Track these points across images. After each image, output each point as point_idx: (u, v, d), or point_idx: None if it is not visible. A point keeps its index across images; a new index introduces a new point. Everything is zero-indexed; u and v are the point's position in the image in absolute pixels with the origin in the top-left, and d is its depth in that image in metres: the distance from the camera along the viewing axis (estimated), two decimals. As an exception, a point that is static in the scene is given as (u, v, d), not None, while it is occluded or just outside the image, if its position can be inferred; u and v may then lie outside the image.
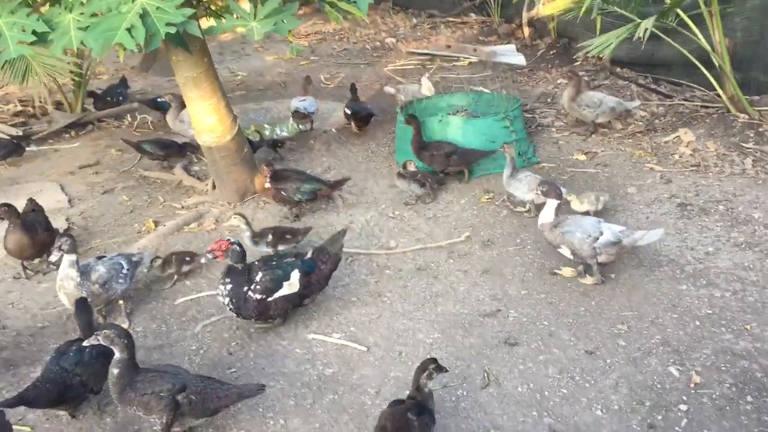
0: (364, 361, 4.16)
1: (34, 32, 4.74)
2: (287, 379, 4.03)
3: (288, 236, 5.44)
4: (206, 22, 5.73)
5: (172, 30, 4.57)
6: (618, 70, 9.47)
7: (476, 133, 6.81)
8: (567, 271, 4.95)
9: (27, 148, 8.25)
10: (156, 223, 6.22)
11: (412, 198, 6.28)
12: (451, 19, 15.31)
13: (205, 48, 5.97)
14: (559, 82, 9.56)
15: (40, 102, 9.23)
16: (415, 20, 15.38)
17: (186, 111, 7.62)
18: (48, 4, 5.50)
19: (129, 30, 4.50)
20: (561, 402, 3.77)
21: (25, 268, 5.42)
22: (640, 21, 6.72)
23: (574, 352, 4.14)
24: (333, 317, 4.65)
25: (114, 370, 3.42)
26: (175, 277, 5.18)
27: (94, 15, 4.77)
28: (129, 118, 9.38)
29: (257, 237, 5.36)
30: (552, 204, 4.81)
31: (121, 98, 9.68)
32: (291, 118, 8.62)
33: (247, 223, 5.35)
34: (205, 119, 6.11)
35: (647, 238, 4.68)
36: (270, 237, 5.36)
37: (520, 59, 10.98)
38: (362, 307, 4.73)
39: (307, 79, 8.62)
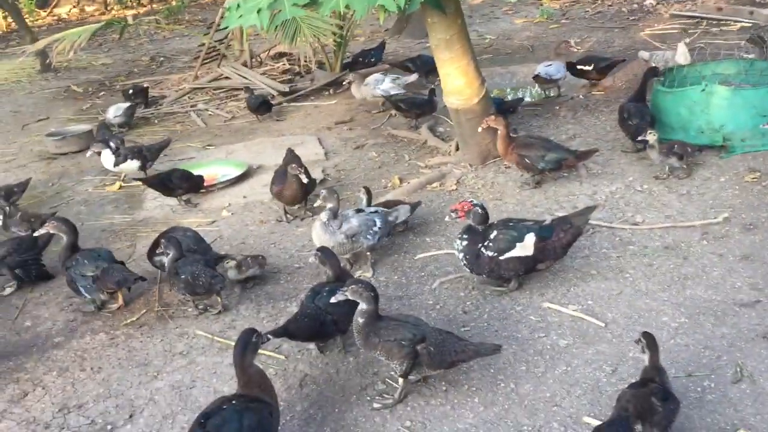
0: (600, 337, 4.02)
1: (306, -5, 5.11)
2: (520, 345, 4.04)
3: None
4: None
5: (432, -8, 4.68)
6: None
7: (745, 106, 6.16)
8: None
9: (290, 104, 9.04)
10: (401, 180, 6.49)
11: (664, 172, 5.88)
12: (721, -23, 13.87)
13: (459, 10, 6.03)
14: None
15: (305, 61, 10.00)
16: (676, -21, 14.17)
17: (369, 78, 8.37)
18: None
19: (392, -8, 4.68)
20: (827, 411, 3.36)
21: (286, 212, 5.96)
22: None
23: None
24: (570, 288, 4.54)
25: (359, 319, 3.65)
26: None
27: (360, -22, 5.03)
28: (380, 78, 9.83)
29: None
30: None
31: (373, 60, 10.16)
32: (536, 83, 8.46)
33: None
34: (454, 81, 6.21)
35: None
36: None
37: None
38: (601, 282, 4.57)
39: (565, 44, 8.28)
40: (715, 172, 5.90)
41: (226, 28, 10.48)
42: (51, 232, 4.85)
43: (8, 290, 5.15)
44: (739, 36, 9.89)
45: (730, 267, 4.55)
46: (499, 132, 5.95)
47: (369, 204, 5.56)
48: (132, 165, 6.74)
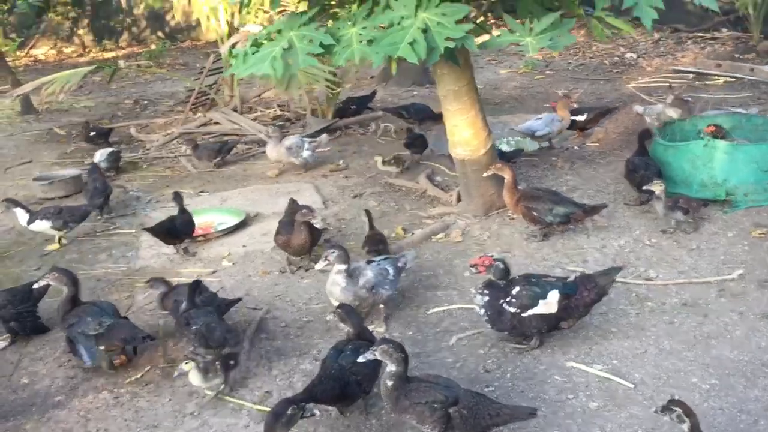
0: (631, 399, 3.91)
1: (320, 44, 5.05)
2: (549, 407, 3.90)
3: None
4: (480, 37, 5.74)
5: (452, 45, 4.66)
6: None
7: (746, 161, 6.22)
8: None
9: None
10: (404, 230, 6.38)
11: (671, 226, 5.87)
12: (699, 34, 14.32)
13: (469, 62, 6.03)
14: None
15: (298, 107, 9.95)
16: (657, 35, 14.56)
17: (289, 138, 8.14)
18: (329, 19, 5.89)
19: (411, 44, 4.64)
20: None
21: (289, 263, 5.80)
22: None
23: None
24: (592, 347, 4.44)
25: (388, 382, 3.49)
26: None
27: (376, 28, 4.99)
28: (373, 126, 9.81)
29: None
30: None
31: (354, 107, 10.13)
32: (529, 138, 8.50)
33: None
34: (461, 132, 6.18)
35: None
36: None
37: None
38: (623, 340, 4.48)
39: (565, 98, 8.30)
40: (721, 227, 5.90)
41: (218, 73, 10.51)
42: (51, 284, 4.63)
43: (1, 344, 4.88)
44: (724, 91, 10.12)
45: (752, 326, 4.50)
46: (506, 181, 5.91)
47: (372, 226, 5.84)
48: (43, 226, 6.39)
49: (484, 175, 6.09)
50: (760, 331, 4.43)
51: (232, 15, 10.65)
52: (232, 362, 4.14)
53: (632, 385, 4.02)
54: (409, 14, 4.81)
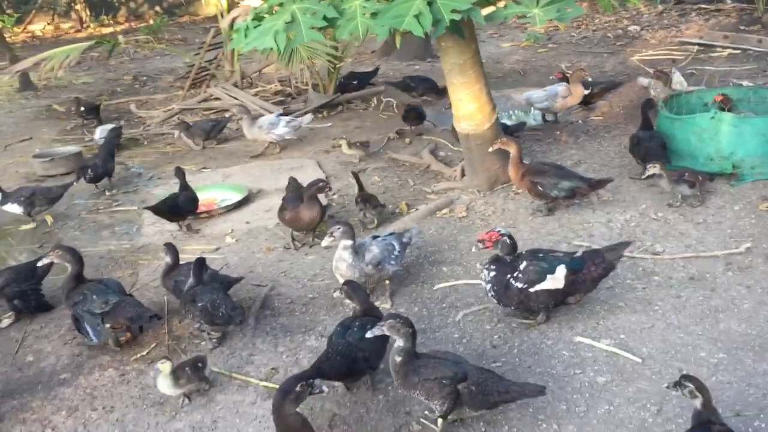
0: (639, 374, 3.90)
1: (324, 17, 4.95)
2: (556, 382, 3.89)
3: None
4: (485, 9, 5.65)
5: (458, 17, 4.58)
6: None
7: (754, 134, 6.16)
8: None
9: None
10: (408, 206, 6.34)
11: (677, 200, 5.83)
12: (703, 6, 14.15)
13: (473, 35, 5.95)
14: None
15: (300, 82, 9.84)
16: (660, 6, 14.41)
17: (262, 118, 7.97)
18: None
19: (416, 17, 4.56)
20: None
21: (293, 239, 5.77)
22: None
23: None
24: (599, 321, 4.42)
25: (397, 358, 3.48)
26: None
27: (380, 1, 4.90)
28: (375, 101, 9.72)
29: None
30: None
31: (356, 82, 10.03)
32: (532, 108, 8.45)
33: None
34: (466, 106, 6.11)
35: None
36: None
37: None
38: (631, 314, 4.46)
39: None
40: (728, 200, 5.86)
41: (219, 48, 10.39)
42: (55, 261, 4.60)
43: (6, 321, 4.86)
44: (729, 63, 10.02)
45: (760, 299, 4.47)
46: (511, 155, 5.86)
47: (361, 188, 6.12)
48: (14, 209, 6.40)
49: (490, 149, 6.04)
50: (767, 305, 4.40)
51: (232, -11, 10.52)
52: (200, 364, 3.93)
53: (640, 360, 4.00)
54: (414, -14, 4.71)
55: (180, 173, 6.15)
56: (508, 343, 4.30)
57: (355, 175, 6.27)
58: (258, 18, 5.29)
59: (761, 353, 3.97)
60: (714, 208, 5.75)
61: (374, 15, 4.78)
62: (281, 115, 8.32)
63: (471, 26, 5.74)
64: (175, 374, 3.83)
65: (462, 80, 5.95)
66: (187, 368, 3.87)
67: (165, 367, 3.82)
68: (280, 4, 5.23)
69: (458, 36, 5.38)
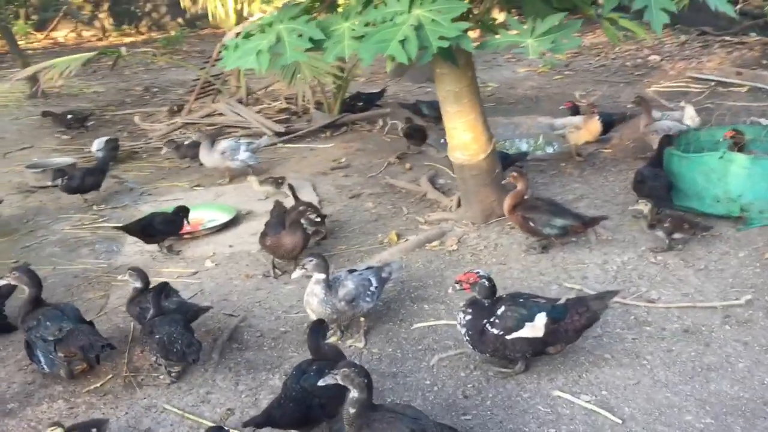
0: (617, 436, 3.61)
1: (310, 39, 4.76)
2: (527, 440, 3.61)
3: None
4: (473, 33, 5.44)
5: (445, 44, 4.35)
6: None
7: (764, 176, 5.84)
8: None
9: (285, 145, 8.72)
10: (398, 236, 6.10)
11: (664, 244, 5.52)
12: (727, 38, 13.81)
13: (470, 62, 5.72)
14: None
15: (303, 101, 9.68)
16: (683, 37, 14.09)
17: (222, 143, 7.64)
18: (326, 11, 5.60)
19: (402, 42, 4.34)
20: None
21: (274, 266, 5.55)
22: None
23: None
24: (582, 374, 4.13)
25: (351, 410, 3.23)
26: None
27: (367, 24, 4.70)
28: (381, 122, 9.52)
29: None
30: None
31: (361, 104, 9.83)
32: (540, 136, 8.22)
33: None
34: (460, 135, 5.88)
35: None
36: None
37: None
38: (616, 368, 4.16)
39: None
40: (733, 245, 5.54)
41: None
42: (12, 283, 4.42)
43: None
44: (749, 99, 9.68)
45: (756, 358, 4.15)
46: (516, 189, 5.59)
47: (296, 198, 6.15)
48: None
49: (503, 182, 5.80)
50: (764, 365, 4.08)
51: (242, 4, 10.40)
52: (94, 430, 3.58)
53: (620, 421, 3.71)
54: (403, 10, 4.51)
55: (291, 188, 6.39)
56: (482, 393, 4.03)
57: (291, 188, 6.42)
58: (248, 36, 5.13)
59: (752, 420, 3.65)
60: (717, 254, 5.44)
61: (360, 38, 4.58)
62: (237, 139, 7.99)
63: (467, 54, 5.51)
64: None
65: (457, 108, 5.72)
66: None
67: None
68: (270, 24, 5.06)
69: (452, 63, 5.15)
